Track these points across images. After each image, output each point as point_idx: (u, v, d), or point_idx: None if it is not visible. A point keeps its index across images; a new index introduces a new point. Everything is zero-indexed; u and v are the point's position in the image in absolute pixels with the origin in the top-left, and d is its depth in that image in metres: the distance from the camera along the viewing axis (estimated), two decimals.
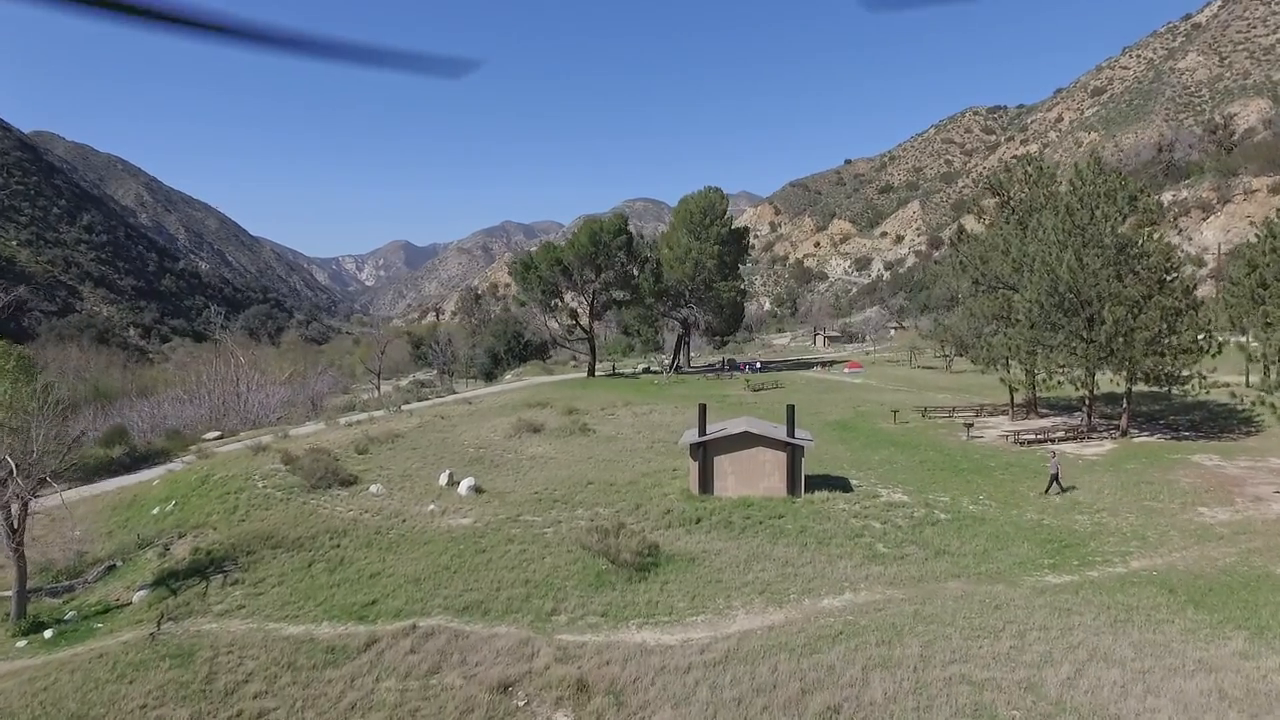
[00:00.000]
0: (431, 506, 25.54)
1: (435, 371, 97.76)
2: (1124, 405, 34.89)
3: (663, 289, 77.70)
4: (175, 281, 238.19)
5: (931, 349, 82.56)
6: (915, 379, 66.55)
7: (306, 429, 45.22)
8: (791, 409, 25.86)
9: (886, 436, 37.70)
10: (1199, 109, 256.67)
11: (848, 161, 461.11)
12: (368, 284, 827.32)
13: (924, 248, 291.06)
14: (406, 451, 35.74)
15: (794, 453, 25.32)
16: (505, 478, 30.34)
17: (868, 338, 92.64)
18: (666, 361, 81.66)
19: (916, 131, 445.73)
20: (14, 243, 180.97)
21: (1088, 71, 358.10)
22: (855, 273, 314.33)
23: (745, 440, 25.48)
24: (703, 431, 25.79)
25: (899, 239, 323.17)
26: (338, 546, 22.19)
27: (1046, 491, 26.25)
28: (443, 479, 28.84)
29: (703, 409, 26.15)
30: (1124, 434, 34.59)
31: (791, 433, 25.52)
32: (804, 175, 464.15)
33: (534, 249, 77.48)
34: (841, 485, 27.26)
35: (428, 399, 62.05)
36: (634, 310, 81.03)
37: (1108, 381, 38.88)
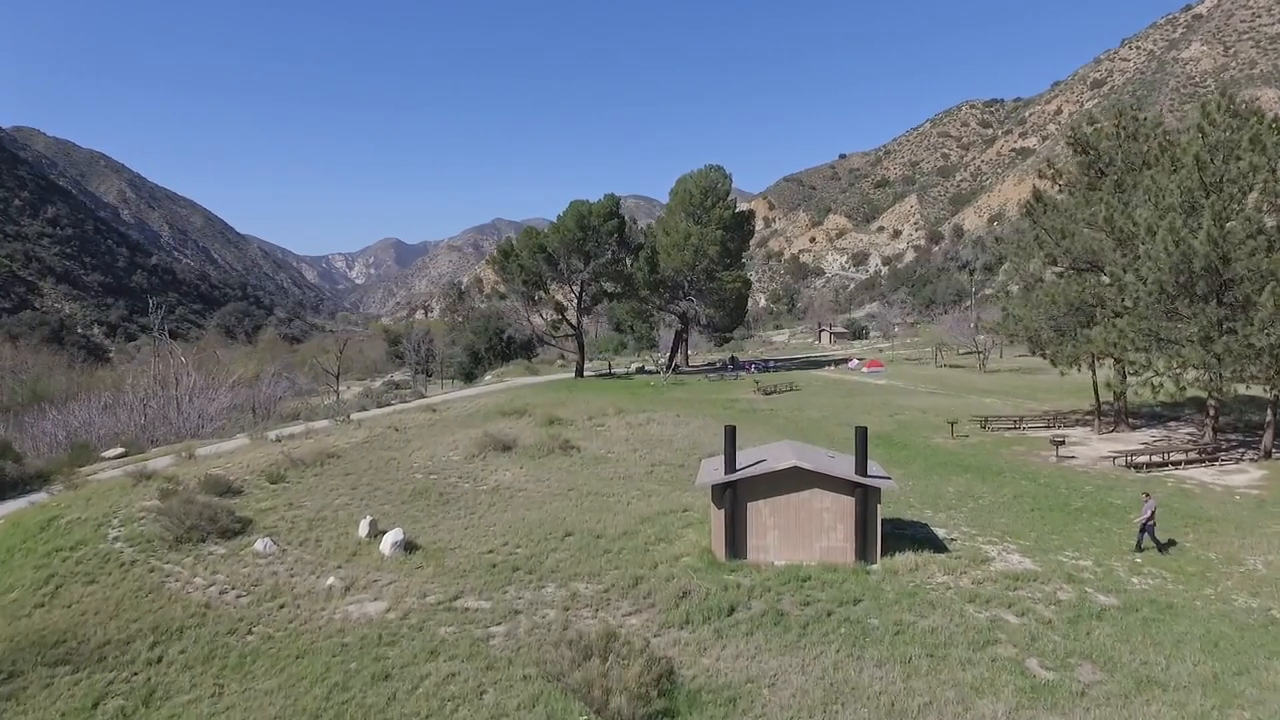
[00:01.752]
0: (331, 580, 17.27)
1: (410, 372, 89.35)
2: (1270, 417, 26.90)
3: (659, 280, 69.64)
4: (147, 278, 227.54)
5: (957, 346, 74.73)
6: (946, 379, 58.63)
7: (228, 445, 36.80)
8: (863, 432, 17.62)
9: (950, 457, 29.62)
10: (1204, 99, 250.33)
11: (842, 156, 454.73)
12: (358, 282, 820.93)
13: (923, 242, 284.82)
14: (334, 479, 27.46)
15: (866, 498, 17.17)
16: (453, 523, 22.08)
17: (888, 333, 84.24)
18: (663, 360, 73.62)
19: (912, 125, 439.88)
20: None
21: (1086, 64, 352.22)
22: (853, 268, 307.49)
23: (794, 479, 17.31)
24: (731, 466, 17.61)
25: (896, 233, 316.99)
26: (158, 661, 13.90)
27: (1139, 547, 18.30)
28: (362, 528, 20.58)
29: (731, 434, 17.94)
30: (1266, 455, 26.69)
31: (862, 467, 17.37)
32: (797, 170, 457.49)
33: (515, 236, 69.15)
34: (927, 539, 19.12)
35: (390, 404, 53.78)
36: (627, 304, 72.95)
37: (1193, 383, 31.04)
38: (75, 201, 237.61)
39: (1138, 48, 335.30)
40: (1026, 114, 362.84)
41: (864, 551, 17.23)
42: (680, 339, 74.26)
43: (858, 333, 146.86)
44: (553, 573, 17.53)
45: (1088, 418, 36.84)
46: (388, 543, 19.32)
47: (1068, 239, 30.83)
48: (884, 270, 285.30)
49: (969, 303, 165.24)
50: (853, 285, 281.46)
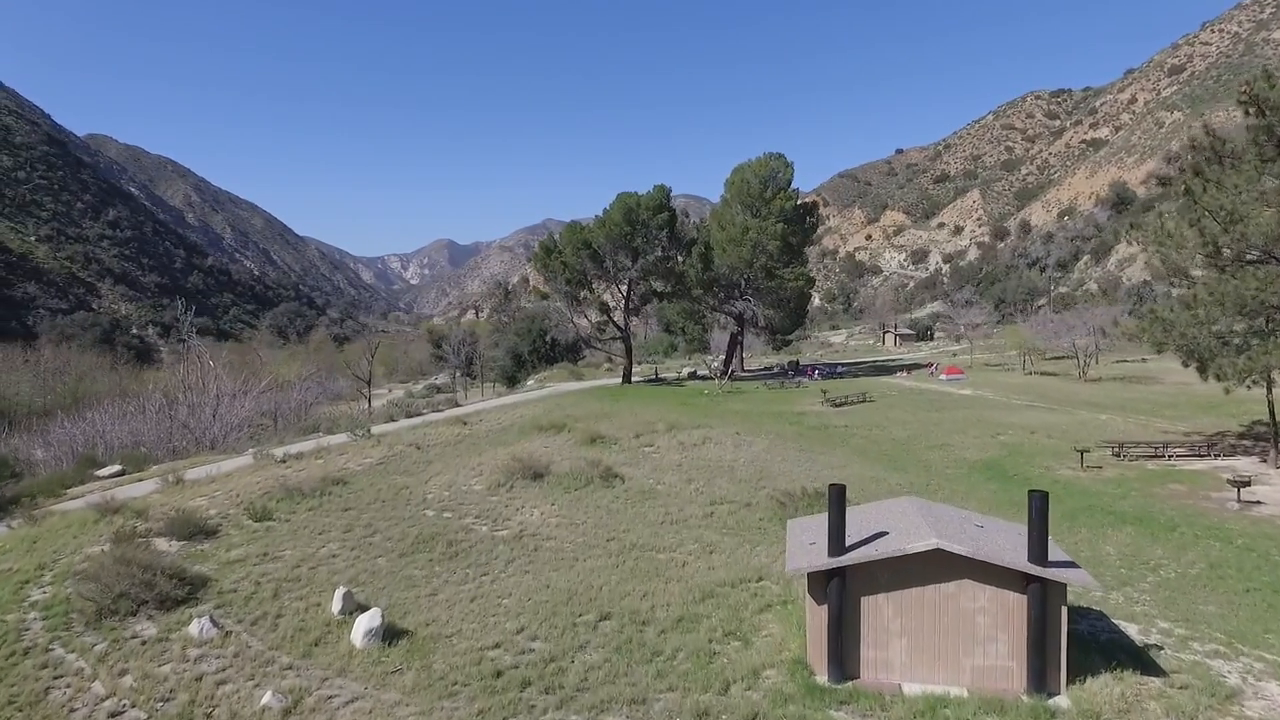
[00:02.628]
0: (267, 697, 12.33)
1: (450, 376, 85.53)
2: None
3: (713, 278, 64.00)
4: (203, 279, 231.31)
5: (1044, 350, 67.14)
6: (1042, 389, 51.63)
7: (229, 464, 32.60)
8: (1042, 500, 11.83)
9: (1091, 499, 23.44)
10: None
11: (899, 151, 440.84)
12: (413, 282, 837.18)
13: (987, 239, 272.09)
14: (330, 516, 22.81)
15: (1045, 597, 11.44)
16: (456, 589, 17.04)
17: (956, 334, 76.52)
18: (717, 365, 68.02)
19: (973, 118, 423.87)
20: (32, 238, 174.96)
21: (1163, 50, 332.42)
22: (911, 266, 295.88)
23: (933, 566, 11.71)
24: (838, 544, 12.07)
25: (958, 230, 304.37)
26: None
27: None
28: (336, 601, 15.64)
29: (839, 497, 12.34)
30: None
31: (1040, 550, 11.64)
32: (852, 166, 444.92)
33: (559, 232, 64.23)
34: (1118, 644, 13.25)
35: (422, 413, 49.56)
36: (678, 304, 67.38)
37: None
38: (136, 204, 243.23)
39: (1221, 31, 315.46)
40: (1097, 104, 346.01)
41: (1040, 677, 11.49)
42: (736, 342, 68.51)
43: (923, 334, 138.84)
44: (579, 692, 12.22)
45: (1244, 443, 30.07)
46: (361, 630, 14.28)
47: (1240, 223, 24.32)
48: (945, 268, 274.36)
49: (1042, 301, 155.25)
50: (912, 284, 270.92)
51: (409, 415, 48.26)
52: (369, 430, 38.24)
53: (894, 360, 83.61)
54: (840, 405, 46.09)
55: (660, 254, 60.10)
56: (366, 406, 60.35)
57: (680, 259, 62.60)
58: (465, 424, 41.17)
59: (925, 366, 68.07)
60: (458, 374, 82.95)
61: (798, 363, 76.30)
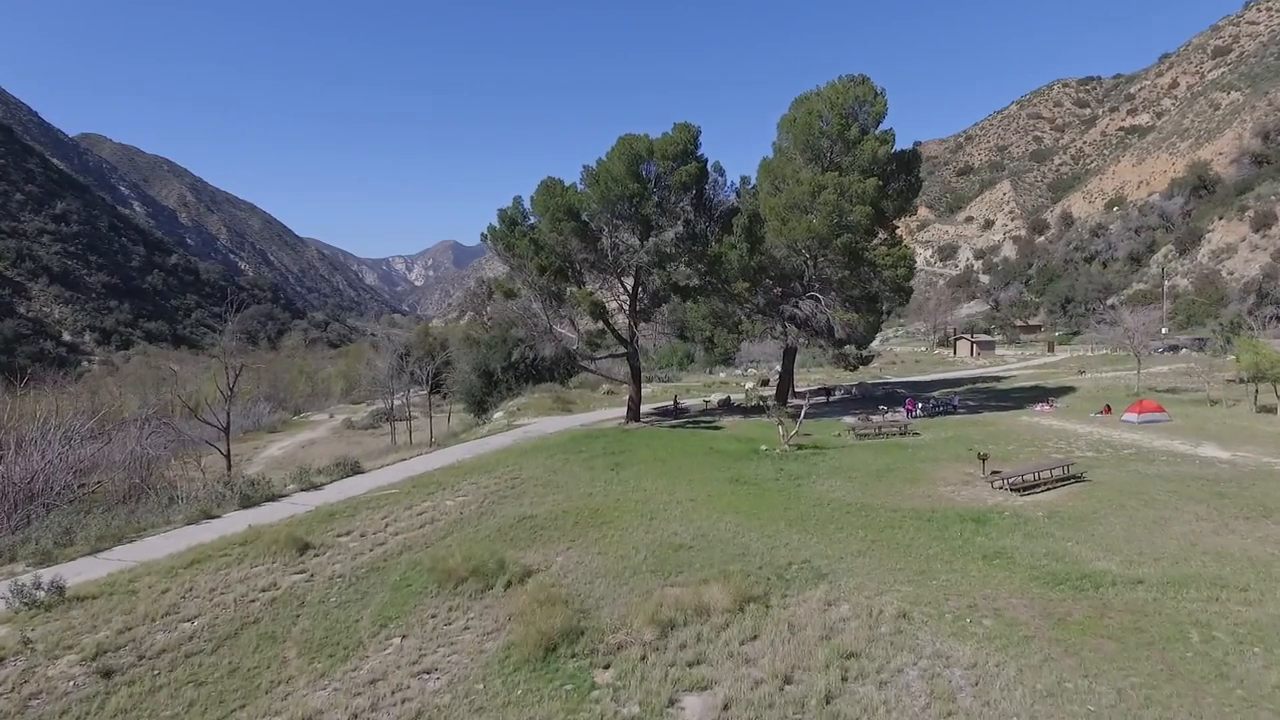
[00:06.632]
0: None
1: (385, 401, 64.08)
2: None
3: (762, 264, 42.50)
4: (164, 278, 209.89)
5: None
6: None
7: None
8: None
9: None
10: None
11: (917, 143, 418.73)
12: (417, 284, 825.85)
13: (1023, 233, 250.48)
14: None
15: None
16: None
17: (1140, 349, 52.56)
18: (753, 386, 46.61)
19: (995, 109, 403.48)
20: None
21: (1202, 32, 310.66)
22: (939, 263, 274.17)
23: None
24: None
25: (989, 224, 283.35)
26: None
27: None
28: None
29: None
30: None
31: None
32: None
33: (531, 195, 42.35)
34: None
35: (283, 494, 28.61)
36: (709, 303, 45.80)
37: None
38: (90, 196, 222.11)
39: (1268, 9, 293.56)
40: (1134, 90, 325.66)
41: None
42: (793, 359, 46.93)
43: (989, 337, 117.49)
44: None
45: None
46: None
47: None
48: (978, 264, 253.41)
49: (1112, 300, 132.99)
50: (942, 282, 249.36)
51: (247, 502, 26.83)
52: (61, 591, 16.76)
53: (995, 378, 61.68)
54: (1029, 491, 24.60)
55: (684, 229, 38.65)
56: (226, 466, 38.47)
57: (714, 237, 40.99)
58: (309, 550, 19.89)
59: (1057, 395, 46.33)
60: (393, 400, 61.66)
61: (877, 388, 54.25)
